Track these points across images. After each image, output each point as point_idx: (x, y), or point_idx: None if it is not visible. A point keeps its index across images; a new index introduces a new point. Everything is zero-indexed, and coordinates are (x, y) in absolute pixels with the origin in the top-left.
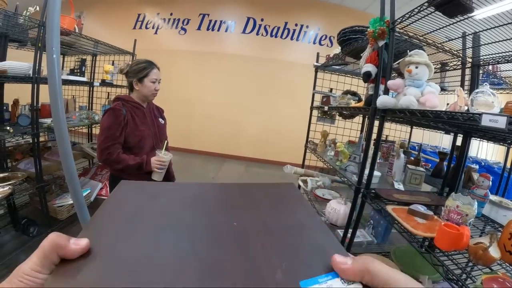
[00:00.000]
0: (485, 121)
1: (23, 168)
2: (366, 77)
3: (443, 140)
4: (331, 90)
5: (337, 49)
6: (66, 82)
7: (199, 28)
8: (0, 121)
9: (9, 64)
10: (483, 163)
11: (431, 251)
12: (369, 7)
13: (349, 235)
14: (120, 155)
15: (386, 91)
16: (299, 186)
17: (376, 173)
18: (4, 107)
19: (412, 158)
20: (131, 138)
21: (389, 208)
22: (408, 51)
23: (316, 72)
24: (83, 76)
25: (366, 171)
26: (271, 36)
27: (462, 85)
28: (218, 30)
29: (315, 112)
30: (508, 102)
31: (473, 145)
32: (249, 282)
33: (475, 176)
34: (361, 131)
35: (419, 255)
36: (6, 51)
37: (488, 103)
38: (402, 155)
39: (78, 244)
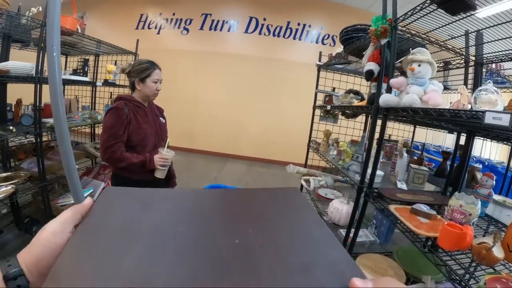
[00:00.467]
0: (489, 119)
1: (26, 167)
2: (369, 75)
3: (446, 140)
4: (333, 89)
5: (339, 48)
6: (69, 82)
7: (201, 28)
8: (3, 120)
9: (12, 64)
10: (486, 163)
11: (434, 251)
12: (372, 5)
13: (351, 234)
14: (124, 154)
15: (389, 90)
16: (302, 186)
17: (379, 172)
18: (7, 107)
19: (415, 158)
20: (134, 137)
21: (392, 207)
22: (410, 49)
23: (318, 71)
24: (86, 76)
25: (369, 171)
26: (274, 35)
27: (465, 84)
28: (221, 30)
29: (317, 112)
30: (511, 100)
31: (476, 144)
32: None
33: (479, 175)
34: (364, 130)
35: (422, 255)
36: (9, 52)
37: (492, 100)
38: (405, 155)
39: (86, 202)
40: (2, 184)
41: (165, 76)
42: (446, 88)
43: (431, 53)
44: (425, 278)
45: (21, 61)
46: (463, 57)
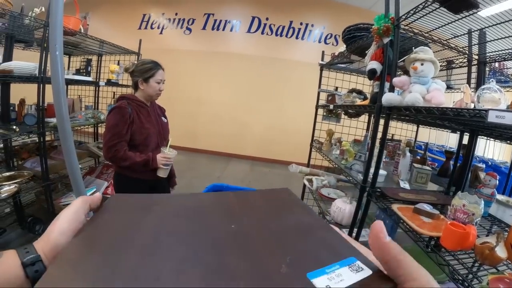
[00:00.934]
0: (492, 118)
1: (30, 166)
2: (371, 74)
3: (449, 140)
4: (336, 88)
5: (342, 47)
6: (72, 82)
7: (204, 28)
8: (7, 120)
9: (15, 64)
10: (490, 163)
11: (436, 251)
12: (374, 5)
13: (354, 234)
14: (127, 153)
15: (392, 89)
16: (304, 185)
17: (382, 172)
18: (11, 107)
19: (418, 157)
20: (137, 136)
21: (395, 207)
22: (413, 48)
23: (321, 70)
24: (89, 76)
25: (372, 170)
26: (276, 35)
27: (468, 83)
28: (223, 29)
29: (320, 111)
30: None
31: (479, 144)
32: (254, 278)
33: (482, 175)
34: (367, 129)
35: (425, 254)
36: (12, 52)
37: (495, 99)
38: (408, 154)
39: (96, 195)
40: (6, 183)
41: (168, 76)
42: (449, 87)
43: (434, 52)
44: None
45: (24, 61)
46: (466, 56)
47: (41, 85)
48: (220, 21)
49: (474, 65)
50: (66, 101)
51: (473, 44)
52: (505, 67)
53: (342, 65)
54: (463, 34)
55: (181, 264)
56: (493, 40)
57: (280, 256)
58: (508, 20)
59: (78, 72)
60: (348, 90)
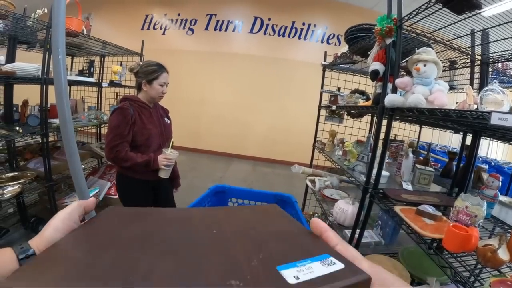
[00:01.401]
0: (495, 120)
1: (33, 167)
2: (374, 75)
3: (452, 140)
4: (339, 89)
5: (344, 48)
6: (75, 83)
7: (206, 29)
8: (10, 121)
9: (18, 65)
10: (493, 163)
11: (439, 253)
12: (376, 5)
13: (356, 235)
14: (128, 153)
15: (394, 90)
16: (307, 186)
17: (385, 173)
18: (14, 108)
19: (421, 158)
20: (138, 137)
21: (397, 208)
22: (416, 49)
23: (323, 71)
24: (92, 77)
25: (374, 171)
26: (279, 35)
27: (471, 83)
28: (226, 30)
29: (323, 112)
30: None
31: (482, 144)
32: (223, 268)
33: (485, 176)
34: (369, 130)
35: (427, 256)
36: (15, 53)
37: (498, 101)
38: (410, 155)
39: (90, 199)
40: (9, 183)
41: (171, 76)
42: (451, 87)
43: (436, 53)
44: (430, 280)
45: (27, 62)
46: (468, 56)
47: (44, 86)
48: (223, 21)
49: (477, 65)
50: (72, 104)
51: (476, 44)
52: (508, 68)
53: (345, 66)
54: (466, 35)
55: (158, 258)
56: (496, 41)
57: (254, 254)
58: (511, 21)
59: (81, 73)
60: (350, 90)
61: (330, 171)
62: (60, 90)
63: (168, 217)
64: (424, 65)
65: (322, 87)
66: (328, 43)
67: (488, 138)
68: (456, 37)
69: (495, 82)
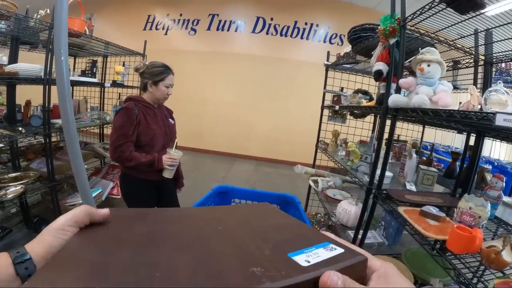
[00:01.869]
0: (499, 121)
1: (36, 167)
2: (377, 75)
3: (455, 140)
4: (342, 89)
5: (347, 48)
6: (77, 83)
7: (208, 29)
8: (13, 121)
9: (21, 66)
10: (496, 163)
11: (442, 254)
12: (379, 4)
13: (359, 236)
14: (133, 153)
15: (398, 90)
16: (310, 186)
17: (388, 173)
18: (17, 108)
19: (424, 158)
20: (143, 137)
21: (401, 209)
22: (419, 48)
23: (326, 71)
24: (94, 77)
25: (378, 172)
26: (281, 35)
27: (475, 83)
28: (228, 30)
29: (326, 112)
30: None
31: (485, 144)
32: (241, 259)
33: (488, 176)
34: (373, 130)
35: (430, 257)
36: (18, 54)
37: (502, 101)
38: (414, 155)
39: (102, 211)
40: (12, 184)
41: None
42: (455, 87)
43: (439, 53)
44: (433, 281)
45: (30, 63)
46: (472, 56)
47: (47, 86)
48: (225, 21)
49: (481, 65)
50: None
51: (479, 44)
52: (511, 68)
53: (348, 66)
54: (469, 35)
55: (175, 253)
56: (499, 41)
57: (264, 245)
58: None
59: (83, 73)
60: (353, 90)
61: (333, 171)
62: (62, 91)
63: (169, 217)
64: (428, 65)
65: (325, 87)
66: (330, 43)
67: (492, 139)
68: (459, 37)
69: (499, 82)
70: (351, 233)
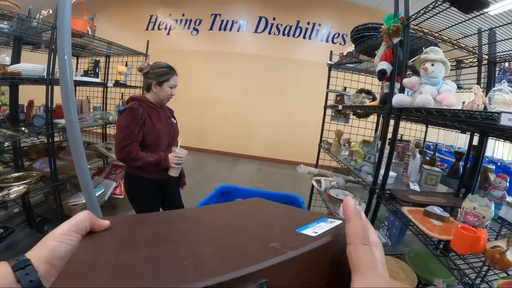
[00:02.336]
0: (504, 120)
1: (38, 167)
2: (381, 75)
3: (458, 140)
4: (345, 88)
5: (350, 47)
6: (80, 83)
7: (211, 28)
8: (16, 121)
9: (23, 66)
10: (499, 163)
11: (446, 254)
12: (381, 4)
13: None
14: (139, 153)
15: (402, 90)
16: (313, 186)
17: (392, 173)
18: (19, 108)
19: (428, 158)
20: (148, 137)
21: (405, 209)
22: (423, 48)
23: (329, 70)
24: (97, 77)
25: (382, 171)
26: (283, 35)
27: (478, 83)
28: (230, 30)
29: (329, 111)
30: None
31: (488, 144)
32: (257, 242)
33: (492, 176)
34: (376, 130)
35: (433, 257)
36: (20, 54)
37: (506, 101)
38: (418, 155)
39: (104, 221)
40: (15, 183)
41: None
42: (458, 87)
43: (443, 52)
44: (437, 281)
45: (32, 63)
46: (475, 55)
47: (50, 86)
48: (227, 21)
49: (484, 64)
50: (78, 104)
51: (483, 43)
52: None
53: (351, 65)
54: (473, 34)
55: (193, 245)
56: (503, 40)
57: (271, 228)
58: None
59: (86, 73)
60: (356, 90)
61: (336, 171)
62: (66, 89)
63: (170, 218)
64: (432, 65)
65: (328, 87)
66: (333, 42)
67: (495, 138)
68: (463, 36)
69: (503, 82)
70: None
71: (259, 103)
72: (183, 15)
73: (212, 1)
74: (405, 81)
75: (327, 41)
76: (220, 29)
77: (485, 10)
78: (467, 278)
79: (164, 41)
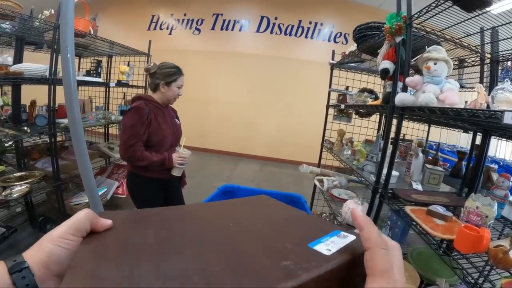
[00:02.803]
0: (507, 119)
1: (41, 167)
2: (384, 74)
3: (460, 139)
4: (347, 88)
5: (352, 46)
6: (82, 83)
7: (213, 28)
8: (18, 121)
9: (26, 66)
10: (501, 163)
11: (449, 254)
12: (383, 3)
13: None
14: (144, 153)
15: (404, 89)
16: (315, 186)
17: (394, 173)
18: (22, 108)
19: (430, 158)
20: (153, 137)
21: (408, 208)
22: (426, 47)
23: (331, 70)
24: (99, 77)
25: (384, 171)
26: (285, 34)
27: (481, 82)
28: (232, 29)
29: (331, 111)
30: None
31: (491, 144)
32: (268, 254)
33: (495, 176)
34: (378, 129)
35: (436, 257)
36: (23, 54)
37: (509, 100)
38: (420, 154)
39: (105, 221)
40: (17, 183)
41: None
42: (461, 86)
43: (446, 51)
44: (439, 281)
45: (35, 63)
46: (478, 54)
47: (52, 86)
48: (229, 21)
49: (487, 63)
50: (80, 104)
51: (485, 42)
52: None
53: (353, 64)
54: (475, 33)
55: (201, 256)
56: (506, 39)
57: (281, 237)
58: None
59: (88, 73)
60: (359, 89)
61: (338, 170)
62: (69, 88)
63: (173, 217)
64: (435, 64)
65: (330, 86)
66: (335, 41)
67: (498, 138)
68: (465, 35)
69: (506, 80)
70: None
71: (261, 102)
72: (185, 15)
73: (213, 1)
74: (408, 80)
75: (329, 40)
76: (222, 29)
77: (488, 8)
78: (470, 278)
79: (166, 41)
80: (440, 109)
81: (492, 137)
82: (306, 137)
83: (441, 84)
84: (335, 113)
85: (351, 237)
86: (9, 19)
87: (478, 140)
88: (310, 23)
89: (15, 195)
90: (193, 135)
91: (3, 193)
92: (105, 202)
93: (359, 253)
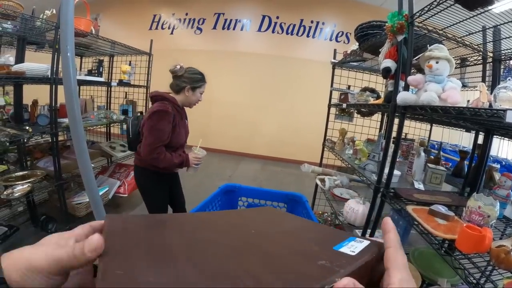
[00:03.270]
0: (510, 118)
1: (43, 166)
2: (386, 73)
3: (462, 139)
4: (349, 87)
5: (354, 45)
6: (84, 82)
7: (214, 28)
8: (20, 121)
9: (27, 65)
10: (504, 162)
11: (451, 254)
12: (385, 2)
13: (367, 235)
14: (167, 155)
15: (406, 88)
16: (317, 185)
17: (396, 172)
18: (24, 108)
19: (432, 157)
20: (173, 139)
21: (409, 208)
22: (427, 45)
23: (333, 69)
24: (101, 77)
25: (386, 170)
26: (287, 33)
27: (483, 81)
28: (234, 29)
29: (332, 110)
30: None
31: (493, 143)
32: (298, 257)
33: (497, 176)
34: (380, 128)
35: (438, 257)
36: (24, 54)
37: (511, 99)
38: (422, 154)
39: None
40: (19, 182)
41: None
42: (463, 85)
43: (447, 50)
44: (441, 281)
45: (36, 62)
46: (480, 53)
47: (54, 86)
48: (231, 20)
49: (489, 62)
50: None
51: (487, 41)
52: None
53: (355, 63)
54: (477, 32)
55: (237, 259)
56: (508, 38)
57: (305, 242)
58: None
59: (90, 73)
60: (361, 88)
61: (340, 170)
62: (69, 86)
63: (189, 224)
64: (437, 62)
65: (331, 85)
66: (337, 41)
67: (500, 137)
68: (467, 33)
69: (509, 79)
70: (358, 232)
71: (263, 102)
72: (186, 14)
73: (215, 0)
74: (410, 79)
75: (330, 39)
76: (223, 28)
77: (490, 7)
78: (472, 278)
79: (167, 41)
80: (442, 108)
81: (494, 136)
82: (308, 136)
83: (443, 83)
84: (337, 113)
85: (366, 242)
86: (11, 19)
87: (480, 140)
88: (312, 22)
89: (17, 194)
90: (194, 134)
91: (5, 192)
92: (106, 202)
93: (376, 254)
